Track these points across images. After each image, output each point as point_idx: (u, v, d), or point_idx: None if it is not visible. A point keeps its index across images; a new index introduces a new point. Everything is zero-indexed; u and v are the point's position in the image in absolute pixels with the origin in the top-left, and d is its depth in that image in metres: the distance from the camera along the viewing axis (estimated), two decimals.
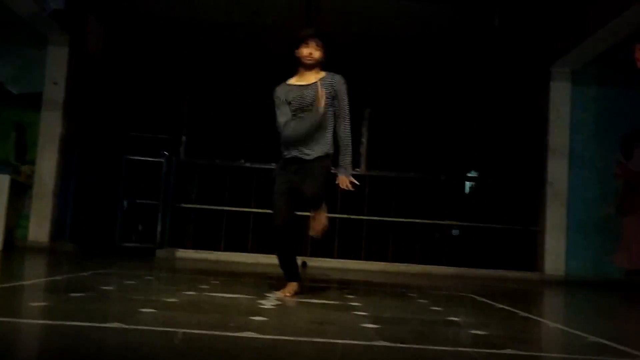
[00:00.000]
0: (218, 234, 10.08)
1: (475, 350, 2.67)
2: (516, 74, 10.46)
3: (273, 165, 10.17)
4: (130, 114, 10.26)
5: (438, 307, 4.47)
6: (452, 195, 10.53)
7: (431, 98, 10.65)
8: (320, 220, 4.22)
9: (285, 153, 4.30)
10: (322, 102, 4.07)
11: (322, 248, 9.86)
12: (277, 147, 4.41)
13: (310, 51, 4.23)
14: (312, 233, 4.24)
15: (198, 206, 10.11)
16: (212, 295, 4.21)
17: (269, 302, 3.99)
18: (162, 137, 10.18)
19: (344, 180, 4.28)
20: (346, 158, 4.30)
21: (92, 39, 10.04)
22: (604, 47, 8.97)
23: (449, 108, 10.70)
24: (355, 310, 3.85)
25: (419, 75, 10.60)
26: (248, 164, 10.10)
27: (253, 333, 2.69)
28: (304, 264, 8.74)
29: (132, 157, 9.86)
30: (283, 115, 4.24)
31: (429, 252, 10.20)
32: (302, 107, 4.19)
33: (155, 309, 3.27)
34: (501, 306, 4.85)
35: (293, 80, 4.33)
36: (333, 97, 4.24)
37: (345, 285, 6.11)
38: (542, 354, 2.82)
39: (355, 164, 10.14)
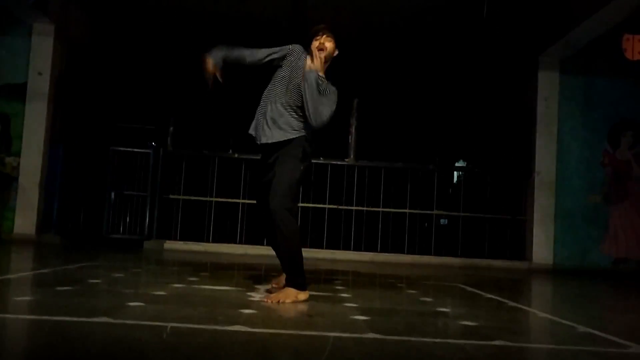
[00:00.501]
0: (206, 225, 10.03)
1: (466, 341, 2.66)
2: (504, 63, 10.46)
3: (260, 157, 10.16)
4: (116, 104, 10.17)
5: (427, 297, 4.47)
6: (440, 185, 10.53)
7: (420, 88, 10.64)
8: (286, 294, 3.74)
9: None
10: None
11: (311, 239, 9.86)
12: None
13: (327, 44, 4.07)
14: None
15: (186, 197, 10.05)
16: (200, 288, 4.18)
17: (258, 294, 3.97)
18: (149, 127, 10.09)
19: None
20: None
21: (76, 28, 9.92)
22: (592, 36, 8.97)
23: (437, 98, 10.69)
24: (345, 302, 3.83)
25: (407, 65, 10.58)
26: (236, 155, 10.04)
27: (242, 327, 2.67)
28: None
29: (119, 148, 9.77)
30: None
31: (418, 242, 10.20)
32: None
33: (143, 303, 3.24)
34: (490, 296, 4.86)
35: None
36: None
37: (335, 276, 6.09)
38: (532, 345, 2.82)
39: (344, 154, 10.14)
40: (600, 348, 2.75)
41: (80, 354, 2.13)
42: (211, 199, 10.00)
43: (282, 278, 4.18)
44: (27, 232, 9.06)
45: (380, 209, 10.17)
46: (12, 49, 9.43)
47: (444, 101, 10.71)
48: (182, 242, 9.67)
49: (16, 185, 9.21)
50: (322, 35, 4.05)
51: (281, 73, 4.08)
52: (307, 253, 9.16)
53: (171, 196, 9.97)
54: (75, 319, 2.65)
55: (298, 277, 3.76)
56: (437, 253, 10.05)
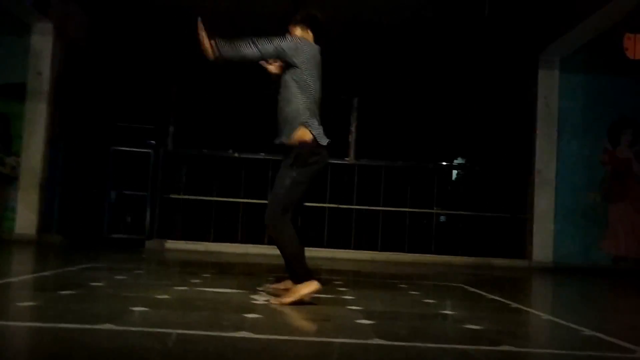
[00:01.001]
0: (207, 225, 10.02)
1: (472, 347, 2.66)
2: (504, 62, 10.44)
3: (261, 155, 10.19)
4: (116, 104, 10.15)
5: (430, 299, 4.47)
6: (440, 184, 10.53)
7: (420, 87, 10.62)
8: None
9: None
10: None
11: (312, 238, 9.85)
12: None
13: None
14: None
15: (187, 197, 10.04)
16: (203, 291, 4.17)
17: (261, 296, 3.96)
18: (149, 127, 10.08)
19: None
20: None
21: (76, 28, 9.90)
22: (592, 35, 8.96)
23: (438, 96, 10.67)
24: (348, 305, 3.83)
25: (408, 64, 10.55)
26: (236, 154, 10.03)
27: (247, 333, 2.66)
28: None
29: (119, 148, 9.75)
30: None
31: (418, 241, 10.20)
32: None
33: (146, 307, 3.23)
34: (492, 297, 4.85)
35: None
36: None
37: (337, 277, 6.08)
38: (539, 351, 2.81)
39: (344, 153, 10.13)
40: (607, 353, 2.74)
41: None
42: (212, 198, 9.99)
43: (286, 281, 4.19)
44: (27, 232, 9.04)
45: (380, 208, 10.16)
46: (11, 49, 9.40)
47: (444, 100, 10.69)
48: (183, 242, 9.67)
49: (16, 185, 9.19)
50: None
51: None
52: (308, 252, 9.18)
53: (172, 196, 9.96)
54: (78, 326, 2.63)
55: (300, 271, 3.75)
56: (438, 252, 10.05)
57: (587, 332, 3.21)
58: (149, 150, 9.76)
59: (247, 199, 9.87)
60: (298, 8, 9.39)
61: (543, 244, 9.89)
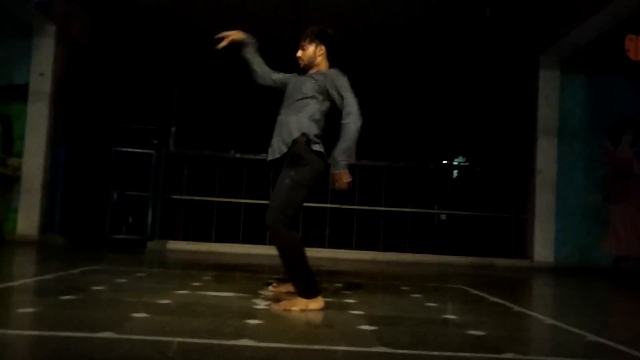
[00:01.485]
0: (209, 225, 10.03)
1: (476, 355, 2.65)
2: (505, 63, 10.44)
3: (263, 156, 10.14)
4: (118, 105, 10.15)
5: (432, 302, 4.46)
6: (442, 184, 10.53)
7: (422, 87, 10.62)
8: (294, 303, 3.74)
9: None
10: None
11: (313, 238, 9.86)
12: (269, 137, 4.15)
13: (298, 54, 4.14)
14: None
15: (188, 197, 10.05)
16: (205, 295, 4.17)
17: (263, 301, 3.96)
18: (151, 128, 10.08)
19: (339, 178, 3.77)
20: (342, 146, 3.77)
21: (78, 29, 9.91)
22: (593, 35, 8.97)
23: (439, 97, 10.68)
24: (350, 309, 3.82)
25: (409, 64, 10.56)
26: (238, 155, 10.02)
27: (249, 340, 2.66)
28: None
29: (121, 149, 9.76)
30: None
31: (419, 241, 10.20)
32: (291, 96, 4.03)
33: (147, 313, 3.23)
34: (494, 299, 4.85)
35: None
36: (321, 92, 3.94)
37: (338, 278, 6.08)
38: (542, 358, 2.80)
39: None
40: None
41: None
42: (213, 199, 9.99)
43: (287, 284, 4.19)
44: (29, 232, 9.07)
45: (382, 208, 10.16)
46: (13, 50, 9.43)
47: (445, 100, 10.70)
48: (185, 242, 9.68)
49: (19, 186, 9.21)
50: (300, 45, 4.13)
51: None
52: (309, 252, 9.19)
53: (173, 196, 9.96)
54: (78, 334, 2.63)
55: (306, 286, 3.73)
56: (439, 252, 10.05)
57: (591, 337, 3.21)
58: (151, 151, 9.76)
59: (249, 199, 9.88)
60: (298, 8, 9.42)
61: (544, 244, 9.90)
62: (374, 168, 10.20)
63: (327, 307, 3.83)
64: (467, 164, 11.78)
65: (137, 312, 3.25)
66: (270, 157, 3.96)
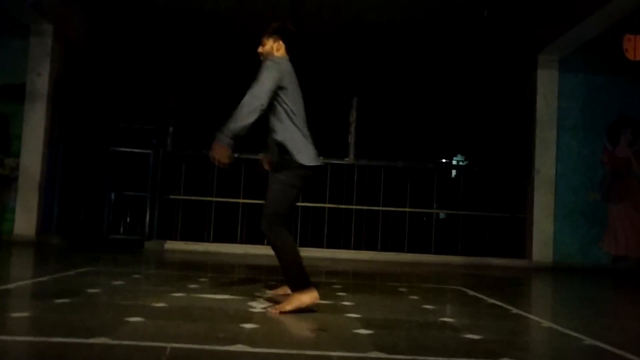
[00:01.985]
0: (207, 225, 10.01)
1: None
2: (504, 62, 10.42)
3: (261, 156, 10.12)
4: (116, 104, 10.13)
5: (429, 304, 4.45)
6: (440, 183, 10.51)
7: (420, 87, 10.60)
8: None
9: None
10: None
11: (311, 238, 9.85)
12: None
13: (259, 49, 4.16)
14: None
15: (186, 197, 10.02)
16: (201, 298, 4.15)
17: (259, 304, 3.95)
18: (148, 128, 10.05)
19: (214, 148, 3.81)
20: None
21: (75, 28, 9.88)
22: (592, 34, 8.94)
23: (437, 96, 10.66)
24: (347, 312, 3.81)
25: (407, 63, 10.53)
26: (236, 155, 9.99)
27: (244, 346, 2.64)
28: None
29: (118, 149, 9.73)
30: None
31: (418, 241, 10.18)
32: None
33: (142, 317, 3.21)
34: (492, 301, 4.84)
35: None
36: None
37: (335, 279, 6.07)
38: None
39: (343, 153, 10.11)
40: None
41: None
42: (211, 198, 9.97)
43: (284, 287, 4.19)
44: (27, 233, 9.04)
45: (380, 208, 10.14)
46: (10, 50, 9.39)
47: (443, 100, 10.67)
48: (182, 242, 9.65)
49: (16, 186, 9.18)
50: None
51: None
52: (307, 252, 9.20)
53: (171, 196, 9.94)
54: (73, 340, 2.61)
55: (297, 279, 3.76)
56: (438, 251, 10.02)
57: (588, 341, 3.19)
58: (149, 151, 9.74)
59: (247, 199, 9.86)
60: (297, 7, 9.39)
61: (542, 243, 9.88)
62: (373, 168, 10.18)
63: (323, 310, 3.82)
64: (466, 162, 11.76)
65: (132, 316, 3.23)
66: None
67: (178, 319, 3.35)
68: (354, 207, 10.15)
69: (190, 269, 6.54)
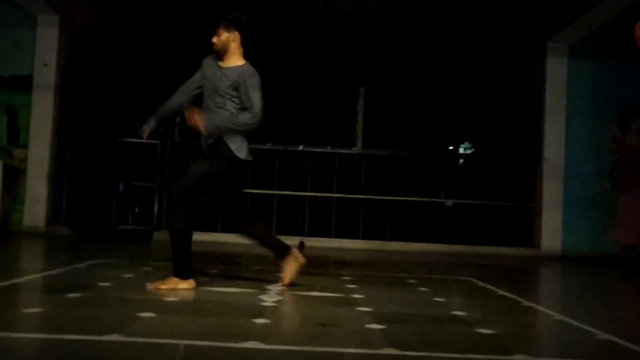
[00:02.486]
0: (215, 215, 9.98)
1: (485, 357, 2.62)
2: (513, 49, 10.35)
3: (268, 146, 10.15)
4: (123, 95, 10.12)
5: (440, 297, 4.43)
6: (448, 173, 10.48)
7: (428, 76, 10.55)
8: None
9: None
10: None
11: (320, 228, 9.84)
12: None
13: (213, 39, 4.21)
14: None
15: None
16: (210, 291, 4.15)
17: (269, 297, 3.94)
18: None
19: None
20: (220, 123, 4.12)
21: (81, 19, 9.86)
22: (602, 22, 8.88)
23: (446, 86, 10.60)
24: (358, 306, 3.79)
25: (415, 53, 10.47)
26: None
27: (256, 342, 2.63)
28: (302, 244, 8.69)
29: (126, 140, 9.74)
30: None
31: (426, 230, 10.17)
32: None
33: (154, 313, 3.21)
34: (503, 293, 4.82)
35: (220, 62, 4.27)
36: (235, 88, 4.14)
37: (344, 270, 6.06)
38: None
39: (351, 142, 10.08)
40: None
41: None
42: None
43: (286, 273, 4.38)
44: (36, 223, 9.08)
45: (388, 197, 10.13)
46: (17, 41, 9.40)
47: (452, 89, 10.62)
48: None
49: (24, 177, 9.20)
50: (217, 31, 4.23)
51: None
52: (315, 242, 9.21)
53: None
54: (84, 337, 2.60)
55: (182, 268, 4.10)
56: (446, 241, 10.01)
57: (601, 335, 3.17)
58: (156, 142, 9.74)
59: (254, 189, 9.84)
60: (299, 8, 9.32)
61: (551, 232, 9.86)
62: (380, 157, 10.15)
63: (334, 303, 3.81)
64: (473, 149, 11.73)
65: (144, 311, 3.22)
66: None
67: (190, 314, 3.34)
68: (361, 196, 10.14)
69: (200, 261, 6.53)
